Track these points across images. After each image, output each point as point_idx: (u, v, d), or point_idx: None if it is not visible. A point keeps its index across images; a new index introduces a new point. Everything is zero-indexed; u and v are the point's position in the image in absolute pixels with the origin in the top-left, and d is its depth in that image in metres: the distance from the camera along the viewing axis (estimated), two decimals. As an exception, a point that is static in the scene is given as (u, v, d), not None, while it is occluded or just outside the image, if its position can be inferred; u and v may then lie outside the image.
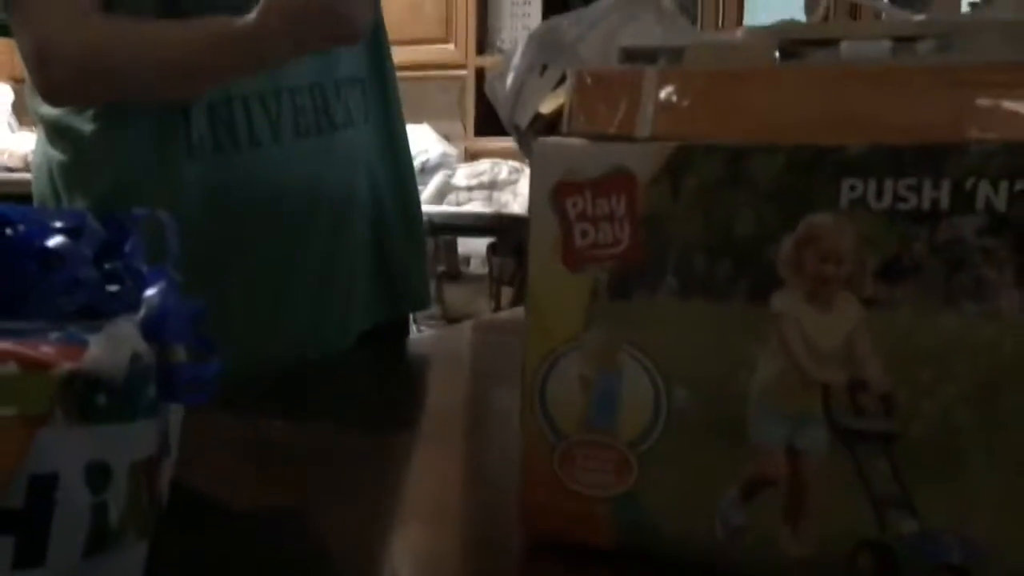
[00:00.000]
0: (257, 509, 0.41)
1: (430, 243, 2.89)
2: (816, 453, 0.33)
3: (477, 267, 3.07)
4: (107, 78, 0.69)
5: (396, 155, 0.89)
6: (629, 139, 0.38)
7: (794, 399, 0.33)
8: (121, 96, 0.72)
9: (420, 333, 0.96)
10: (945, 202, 0.31)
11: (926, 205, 0.31)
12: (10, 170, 2.72)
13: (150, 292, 0.32)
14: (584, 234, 0.35)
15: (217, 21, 0.67)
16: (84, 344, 0.26)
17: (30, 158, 0.84)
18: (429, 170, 3.29)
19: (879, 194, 0.31)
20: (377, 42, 0.84)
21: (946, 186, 0.31)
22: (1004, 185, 0.30)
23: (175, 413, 0.37)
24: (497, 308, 2.78)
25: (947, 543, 0.31)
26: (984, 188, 0.30)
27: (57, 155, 0.74)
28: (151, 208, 0.36)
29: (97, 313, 0.29)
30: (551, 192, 0.36)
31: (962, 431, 0.31)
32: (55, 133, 0.75)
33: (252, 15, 0.65)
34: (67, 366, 0.24)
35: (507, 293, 2.86)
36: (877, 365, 0.32)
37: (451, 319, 2.53)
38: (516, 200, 3.00)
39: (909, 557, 0.32)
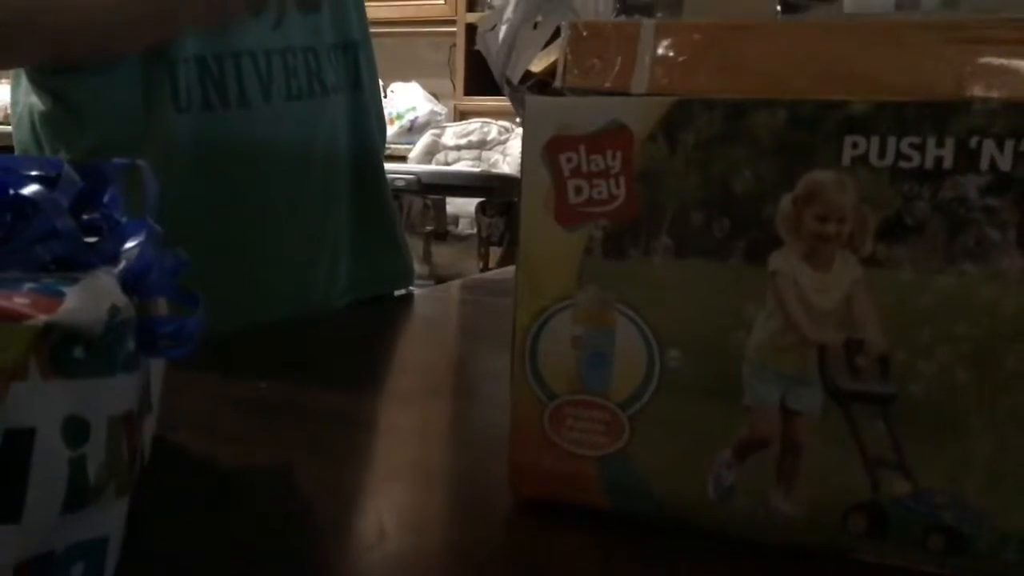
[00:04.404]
0: (241, 467, 0.40)
1: (418, 202, 2.87)
2: (810, 414, 0.32)
3: (465, 227, 3.06)
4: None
5: (378, 123, 0.88)
6: (625, 94, 0.37)
7: (789, 360, 0.32)
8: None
9: (407, 292, 0.96)
10: (949, 160, 0.30)
11: (929, 163, 0.30)
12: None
13: (130, 244, 0.31)
14: (578, 190, 0.34)
15: None
16: (60, 296, 0.25)
17: (8, 111, 0.82)
18: (417, 128, 3.27)
19: (882, 152, 0.31)
20: (360, 3, 0.82)
21: (950, 144, 0.30)
22: (1010, 144, 0.29)
23: (156, 368, 0.36)
24: (485, 268, 2.77)
25: (940, 504, 0.31)
26: (989, 147, 0.30)
27: (39, 104, 0.73)
28: (131, 158, 0.35)
29: (75, 265, 0.28)
30: (544, 147, 0.35)
31: (959, 393, 0.30)
32: (36, 82, 0.73)
33: None
34: (42, 318, 0.24)
35: (495, 253, 2.85)
36: (875, 326, 0.31)
37: (439, 279, 2.52)
38: (505, 160, 2.98)
39: (901, 518, 0.32)
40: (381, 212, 0.88)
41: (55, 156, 0.72)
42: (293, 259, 0.78)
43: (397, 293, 0.93)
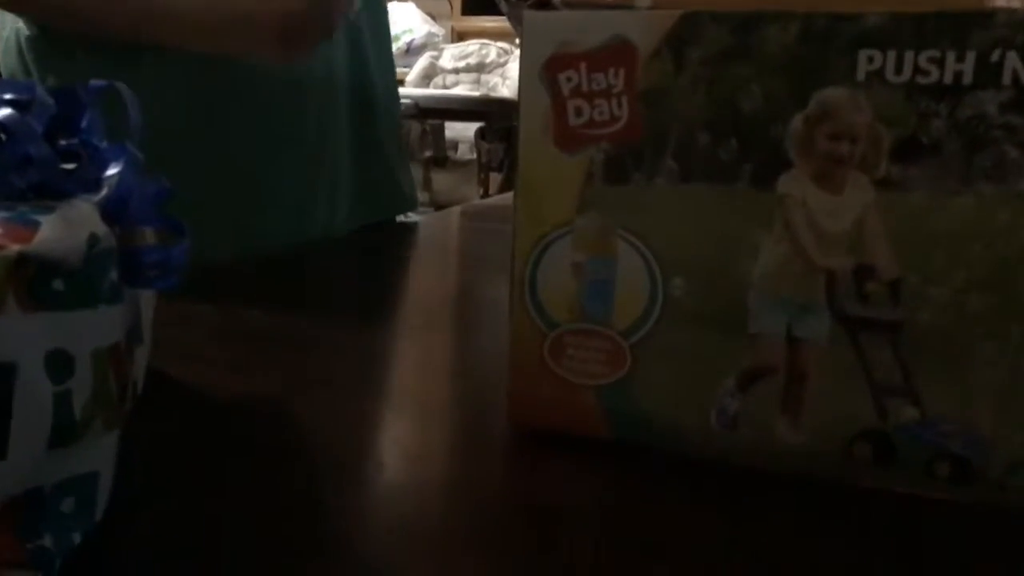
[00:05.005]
0: (238, 399, 0.40)
1: (416, 128, 2.83)
2: (817, 342, 0.31)
3: (465, 153, 3.02)
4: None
5: (380, 44, 0.86)
6: (628, 7, 0.35)
7: (797, 286, 0.31)
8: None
9: (406, 218, 0.94)
10: (969, 75, 0.29)
11: (948, 78, 0.29)
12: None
13: (110, 171, 0.29)
14: (579, 112, 0.33)
15: None
16: (35, 225, 0.24)
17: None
18: (414, 51, 3.20)
19: (899, 67, 0.29)
20: None
21: (971, 58, 0.28)
22: (1034, 57, 0.28)
23: (146, 299, 0.35)
24: (485, 194, 2.75)
25: (948, 431, 0.31)
26: (1012, 60, 0.28)
27: (25, 30, 0.70)
28: (110, 82, 0.34)
29: (52, 193, 0.27)
30: (543, 66, 0.33)
31: (972, 319, 0.29)
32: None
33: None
34: (15, 248, 0.22)
35: (495, 179, 2.82)
36: (886, 250, 0.30)
37: (438, 205, 2.50)
38: (505, 83, 2.93)
39: (908, 445, 0.31)
40: (383, 136, 0.86)
41: (44, 82, 0.70)
42: (292, 186, 0.76)
43: (399, 219, 0.92)
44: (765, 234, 0.31)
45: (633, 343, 0.33)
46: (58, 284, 0.24)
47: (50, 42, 0.70)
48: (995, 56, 0.28)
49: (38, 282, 0.24)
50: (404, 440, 0.37)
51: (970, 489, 0.31)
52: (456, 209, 1.11)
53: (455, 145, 3.06)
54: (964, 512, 0.30)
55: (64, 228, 0.24)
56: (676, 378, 0.33)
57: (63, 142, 0.30)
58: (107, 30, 0.66)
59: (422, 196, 2.77)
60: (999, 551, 0.29)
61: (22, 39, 0.71)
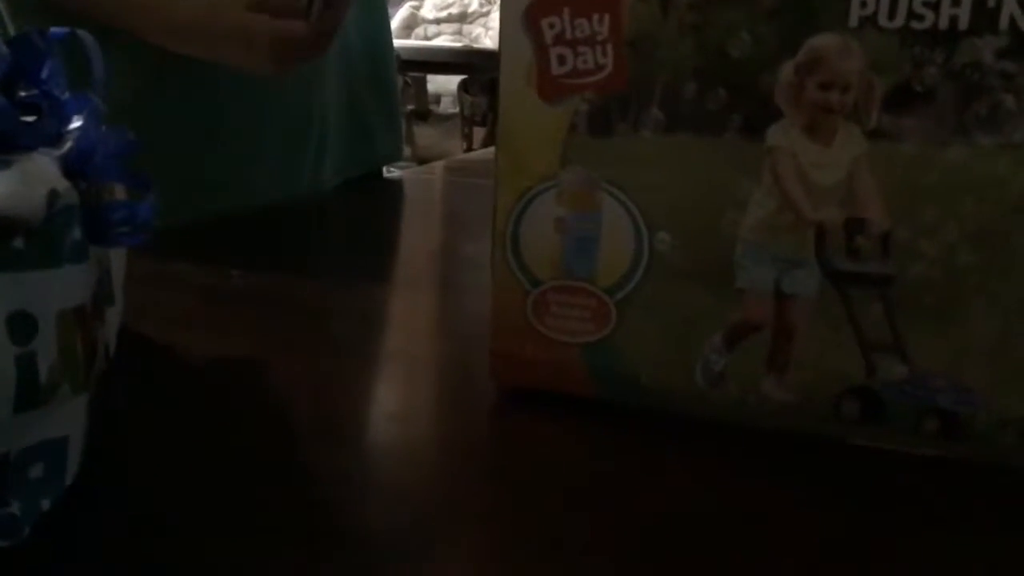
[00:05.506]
0: (213, 360, 0.39)
1: (398, 80, 2.79)
2: (806, 297, 0.31)
3: (448, 106, 2.98)
4: None
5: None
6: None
7: (786, 240, 0.30)
8: None
9: (389, 174, 0.93)
10: (965, 20, 0.28)
11: (944, 23, 0.28)
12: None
13: (73, 124, 0.28)
14: (562, 60, 0.32)
15: None
16: (-10, 181, 0.23)
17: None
18: (394, 1, 3.14)
19: (892, 11, 0.28)
20: None
21: (967, 2, 0.27)
22: (1033, 1, 0.27)
23: (117, 257, 0.34)
24: (469, 148, 2.72)
25: (937, 387, 0.30)
26: (1010, 4, 0.27)
27: None
28: (71, 29, 0.32)
29: (10, 147, 0.26)
30: (524, 12, 0.32)
31: (963, 274, 0.29)
32: None
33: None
34: (-31, 206, 0.21)
35: (479, 133, 2.79)
36: (877, 203, 0.29)
37: (421, 160, 2.48)
38: (488, 34, 2.88)
39: (896, 402, 0.31)
40: (370, 88, 0.84)
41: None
42: (279, 141, 0.75)
43: (386, 172, 0.90)
44: (753, 186, 0.30)
45: (618, 300, 0.33)
46: (18, 243, 0.23)
47: None
48: (992, 1, 0.27)
49: (-5, 241, 0.22)
50: (388, 400, 0.37)
51: (959, 445, 0.30)
52: (440, 164, 1.09)
53: (437, 98, 3.02)
54: (953, 467, 0.30)
55: (22, 183, 0.23)
56: (662, 335, 0.33)
57: (22, 93, 0.29)
58: (87, 11, 0.63)
59: (404, 151, 2.74)
60: (988, 506, 0.29)
61: None
